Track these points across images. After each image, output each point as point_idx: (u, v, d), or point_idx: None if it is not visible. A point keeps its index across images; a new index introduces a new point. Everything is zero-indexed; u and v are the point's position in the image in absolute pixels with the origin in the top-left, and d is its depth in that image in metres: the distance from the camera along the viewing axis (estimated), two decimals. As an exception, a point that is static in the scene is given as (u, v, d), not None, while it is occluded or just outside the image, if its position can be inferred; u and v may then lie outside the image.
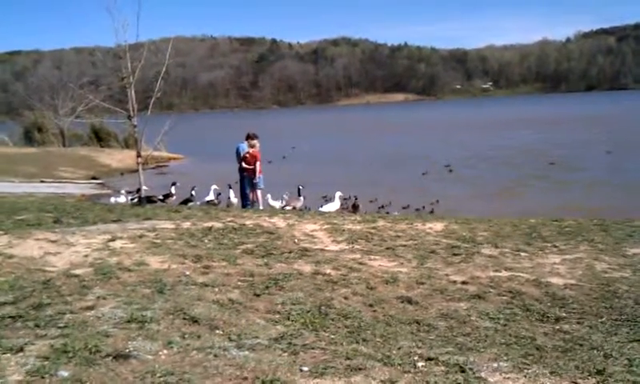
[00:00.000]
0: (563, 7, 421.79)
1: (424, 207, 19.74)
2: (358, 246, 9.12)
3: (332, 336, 5.04)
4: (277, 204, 16.86)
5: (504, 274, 7.54)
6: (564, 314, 6.06)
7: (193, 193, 17.96)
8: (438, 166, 32.08)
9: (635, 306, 6.30)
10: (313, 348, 4.58)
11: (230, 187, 18.22)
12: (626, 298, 6.57)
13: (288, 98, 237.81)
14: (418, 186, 25.92)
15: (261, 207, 15.95)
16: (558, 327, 5.68)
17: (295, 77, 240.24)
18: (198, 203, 17.26)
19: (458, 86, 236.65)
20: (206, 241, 8.98)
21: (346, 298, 6.32)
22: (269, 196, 17.10)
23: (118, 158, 40.70)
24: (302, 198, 17.10)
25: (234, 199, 17.70)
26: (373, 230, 10.51)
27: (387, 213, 18.73)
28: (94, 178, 32.42)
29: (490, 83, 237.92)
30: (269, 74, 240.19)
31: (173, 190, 18.44)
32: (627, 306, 6.30)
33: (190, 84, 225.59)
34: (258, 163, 16.01)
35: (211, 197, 18.29)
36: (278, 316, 5.50)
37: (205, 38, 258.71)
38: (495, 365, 4.34)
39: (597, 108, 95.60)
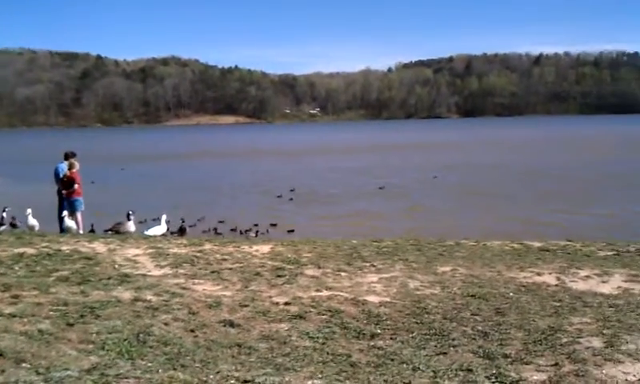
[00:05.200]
0: (385, 38, 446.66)
1: (256, 232, 19.73)
2: (182, 271, 8.96)
3: (149, 364, 4.89)
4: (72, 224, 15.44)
5: (325, 293, 7.78)
6: (379, 331, 6.37)
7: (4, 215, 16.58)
8: (281, 190, 32.23)
9: (443, 321, 6.76)
10: (127, 377, 4.42)
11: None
12: (434, 314, 7.04)
13: (113, 117, 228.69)
14: (264, 209, 26.02)
15: (81, 231, 15.14)
16: (372, 343, 5.95)
17: (122, 95, 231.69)
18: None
19: (288, 111, 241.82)
20: (17, 268, 8.37)
21: (166, 324, 6.18)
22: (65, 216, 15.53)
23: None
24: (130, 223, 16.12)
25: (32, 221, 16.28)
26: (199, 254, 10.39)
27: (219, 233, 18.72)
28: None
29: (318, 109, 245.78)
30: (93, 90, 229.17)
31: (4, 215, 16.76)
32: (436, 321, 6.75)
33: (5, 99, 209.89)
34: (76, 185, 15.25)
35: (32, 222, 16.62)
36: (92, 346, 5.23)
37: (23, 51, 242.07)
38: (310, 383, 4.47)
39: (417, 135, 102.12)
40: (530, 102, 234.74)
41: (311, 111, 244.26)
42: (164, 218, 16.52)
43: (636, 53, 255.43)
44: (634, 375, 4.90)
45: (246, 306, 7.04)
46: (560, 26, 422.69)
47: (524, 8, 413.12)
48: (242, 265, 9.63)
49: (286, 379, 4.49)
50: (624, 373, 4.97)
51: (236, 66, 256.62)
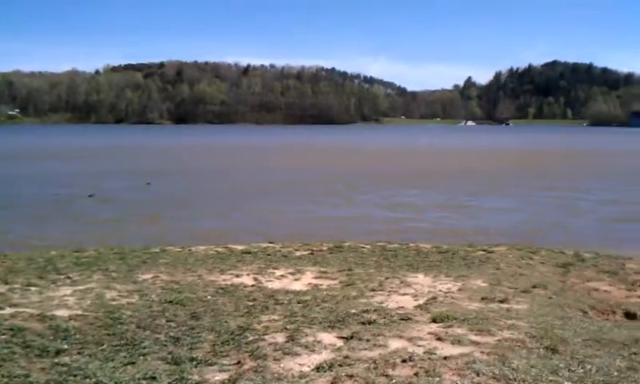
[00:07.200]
0: (92, 39, 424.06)
1: None
2: None
3: None
4: None
5: (8, 311, 7.16)
6: (65, 346, 6.02)
7: None
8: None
9: (136, 330, 6.64)
10: None
11: None
12: (128, 323, 6.88)
13: None
14: None
15: None
16: (57, 360, 5.61)
17: None
18: None
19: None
20: None
21: None
22: None
23: None
24: None
25: None
26: None
27: None
28: None
29: (18, 110, 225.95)
30: None
31: None
32: (129, 331, 6.60)
33: None
34: None
35: None
36: None
37: None
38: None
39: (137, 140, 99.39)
40: (239, 110, 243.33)
41: (10, 112, 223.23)
42: None
43: (333, 68, 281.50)
44: (309, 366, 5.31)
45: None
46: (265, 38, 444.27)
47: (232, 18, 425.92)
48: None
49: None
50: (300, 364, 5.36)
51: None
